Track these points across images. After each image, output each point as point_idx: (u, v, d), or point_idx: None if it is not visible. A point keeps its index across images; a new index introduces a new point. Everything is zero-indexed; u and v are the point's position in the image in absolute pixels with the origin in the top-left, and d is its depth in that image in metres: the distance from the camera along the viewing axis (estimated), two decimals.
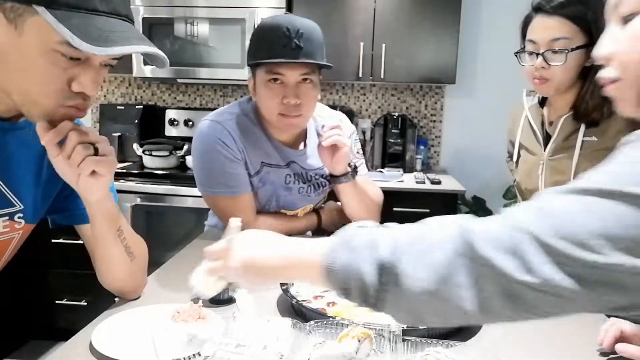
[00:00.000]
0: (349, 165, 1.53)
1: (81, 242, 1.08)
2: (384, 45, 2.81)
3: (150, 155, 2.83)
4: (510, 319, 0.57)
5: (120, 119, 3.09)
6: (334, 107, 1.76)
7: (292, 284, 1.13)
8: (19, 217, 0.97)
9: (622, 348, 0.87)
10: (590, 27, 1.24)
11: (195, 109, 3.26)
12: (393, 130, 3.03)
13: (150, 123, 3.16)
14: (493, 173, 3.10)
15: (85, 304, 2.60)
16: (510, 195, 2.96)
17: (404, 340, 0.84)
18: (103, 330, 0.94)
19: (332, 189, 1.62)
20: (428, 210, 2.60)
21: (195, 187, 1.54)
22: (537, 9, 1.29)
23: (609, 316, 0.95)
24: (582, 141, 1.32)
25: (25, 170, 0.96)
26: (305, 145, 1.58)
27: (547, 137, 1.42)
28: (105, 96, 3.37)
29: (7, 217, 0.96)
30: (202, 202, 1.58)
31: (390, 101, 3.26)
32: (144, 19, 2.81)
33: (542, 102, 1.47)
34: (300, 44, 1.35)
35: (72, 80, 0.82)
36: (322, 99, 3.21)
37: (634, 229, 0.48)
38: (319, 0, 2.82)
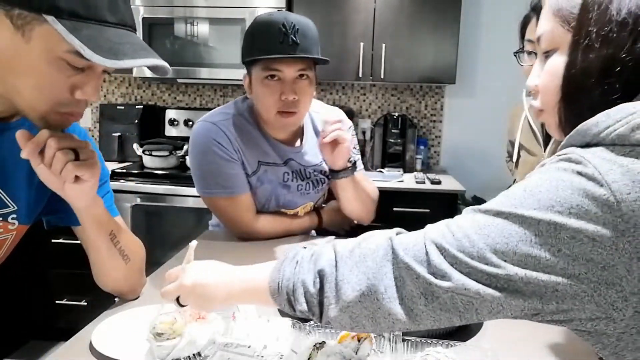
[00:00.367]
0: (349, 160, 1.53)
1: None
2: (384, 45, 2.81)
3: (150, 155, 2.83)
4: (434, 321, 0.63)
5: (120, 119, 3.09)
6: (333, 106, 1.76)
7: None
8: (12, 218, 0.97)
9: None
10: None
11: (195, 109, 3.26)
12: (393, 130, 3.02)
13: (150, 123, 3.16)
14: (493, 173, 3.10)
15: (85, 304, 2.60)
16: None
17: (404, 340, 0.84)
18: (103, 330, 0.94)
19: (330, 186, 1.62)
20: (428, 210, 2.60)
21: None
22: (536, 9, 1.29)
23: None
24: None
25: (18, 170, 0.96)
26: (301, 142, 1.58)
27: (547, 138, 1.42)
28: (105, 96, 3.37)
29: (1, 218, 0.96)
30: (202, 202, 1.58)
31: (390, 101, 3.26)
32: (144, 19, 2.81)
33: None
34: (296, 40, 1.35)
35: (75, 88, 0.83)
36: (322, 99, 3.21)
37: (522, 244, 0.56)
38: (319, 0, 2.82)
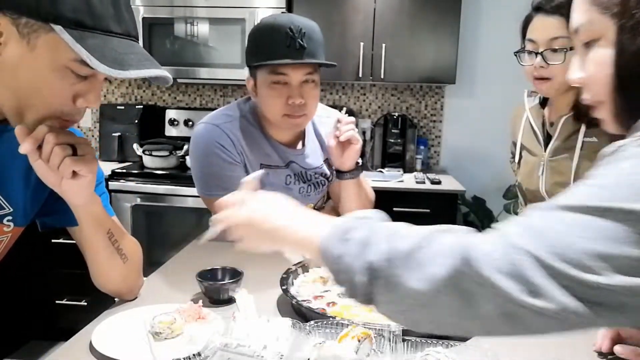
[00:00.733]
0: (356, 162, 1.53)
1: None
2: (384, 45, 2.81)
3: (150, 155, 2.83)
4: (506, 335, 0.56)
5: (120, 119, 3.09)
6: (334, 107, 1.76)
7: (292, 284, 1.13)
8: (7, 220, 0.97)
9: (620, 349, 0.88)
10: None
11: (195, 109, 3.26)
12: (393, 130, 3.03)
13: (150, 123, 3.15)
14: (493, 173, 3.10)
15: (85, 304, 2.60)
16: (510, 195, 2.95)
17: (404, 340, 0.84)
18: (103, 330, 0.94)
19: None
20: (428, 210, 2.60)
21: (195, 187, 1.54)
22: (538, 9, 1.29)
23: None
24: (583, 142, 1.31)
25: (14, 172, 0.96)
26: (303, 144, 1.58)
27: (547, 138, 1.42)
28: (105, 96, 3.37)
29: None
30: (202, 202, 1.58)
31: (390, 101, 3.26)
32: (144, 19, 2.81)
33: (544, 102, 1.47)
34: (303, 44, 1.34)
35: (78, 96, 0.84)
36: (322, 99, 3.21)
37: (627, 246, 0.47)
38: (319, 0, 2.82)
